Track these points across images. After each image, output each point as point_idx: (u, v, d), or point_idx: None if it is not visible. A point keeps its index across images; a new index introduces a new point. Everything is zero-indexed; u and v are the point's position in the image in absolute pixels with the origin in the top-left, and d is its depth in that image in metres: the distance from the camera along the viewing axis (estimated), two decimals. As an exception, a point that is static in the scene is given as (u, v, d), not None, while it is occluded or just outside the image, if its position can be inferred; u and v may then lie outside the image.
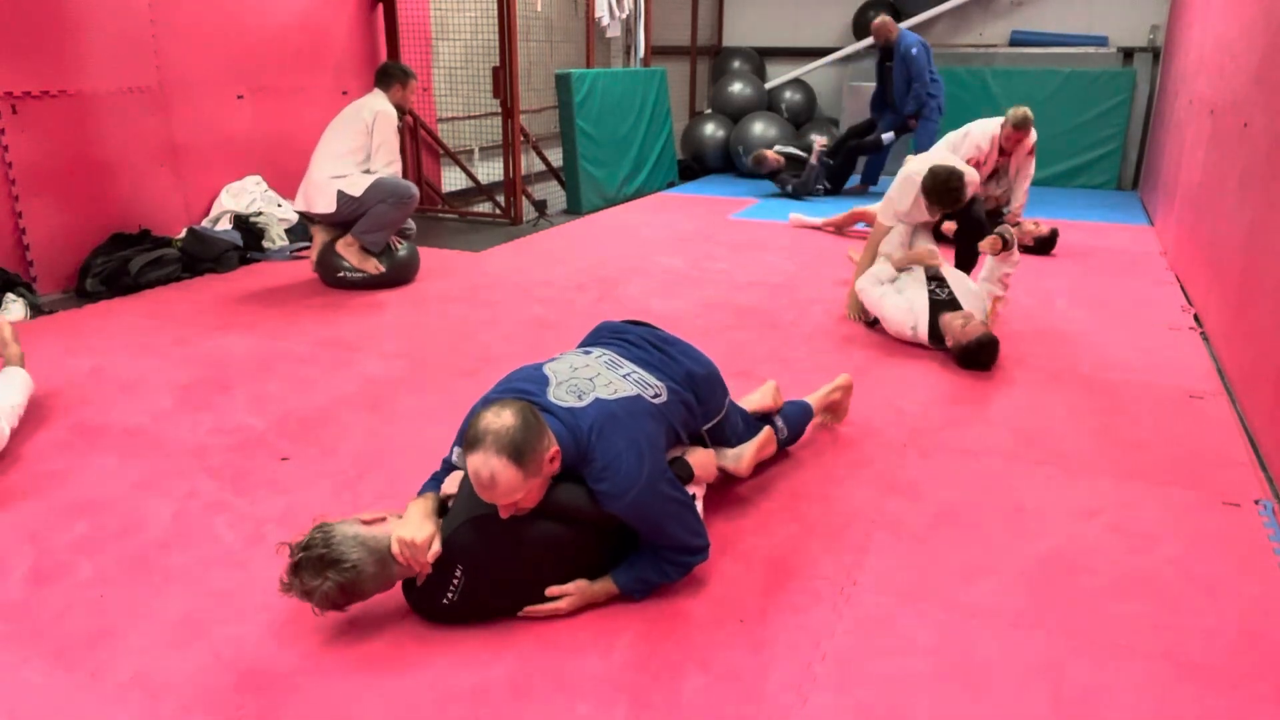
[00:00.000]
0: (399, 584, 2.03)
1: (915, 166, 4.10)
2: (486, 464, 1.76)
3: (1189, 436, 3.01)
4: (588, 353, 2.24)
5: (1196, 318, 4.27)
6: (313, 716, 1.72)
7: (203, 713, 1.72)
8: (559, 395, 2.00)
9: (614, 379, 2.10)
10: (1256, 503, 2.56)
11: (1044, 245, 5.66)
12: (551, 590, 1.98)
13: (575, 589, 1.99)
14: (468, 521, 1.90)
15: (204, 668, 1.84)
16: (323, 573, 1.80)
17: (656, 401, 2.11)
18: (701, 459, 2.29)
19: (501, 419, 1.79)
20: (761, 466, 2.70)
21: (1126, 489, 2.65)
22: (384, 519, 1.93)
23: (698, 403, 2.29)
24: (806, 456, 2.83)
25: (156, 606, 2.05)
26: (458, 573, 1.89)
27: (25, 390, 2.96)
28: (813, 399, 2.90)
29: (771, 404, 2.72)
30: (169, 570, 2.19)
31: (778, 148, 7.92)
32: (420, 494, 2.07)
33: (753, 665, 1.87)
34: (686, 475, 2.21)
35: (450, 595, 1.91)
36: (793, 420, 2.77)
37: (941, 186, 3.90)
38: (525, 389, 2.03)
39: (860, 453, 2.87)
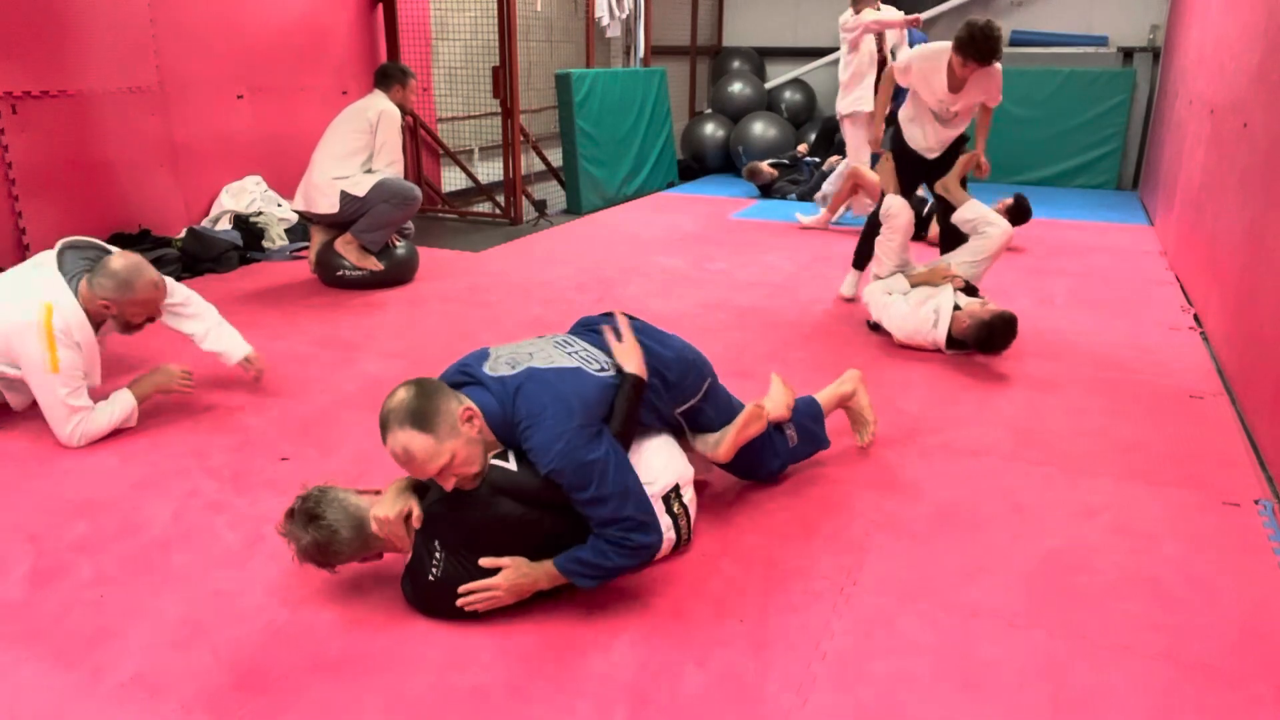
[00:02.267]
0: (399, 586, 2.03)
1: (922, 49, 4.11)
2: (396, 440, 1.84)
3: (1189, 436, 3.01)
4: (541, 337, 2.28)
5: (1196, 318, 4.27)
6: (313, 716, 1.72)
7: (203, 713, 1.72)
8: (493, 367, 2.06)
9: (555, 354, 2.12)
10: (1256, 503, 2.56)
11: (1016, 215, 5.77)
12: (485, 561, 1.93)
13: (511, 562, 1.94)
14: (439, 499, 1.95)
15: (204, 668, 1.84)
16: (305, 527, 1.92)
17: (601, 375, 2.09)
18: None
19: (396, 396, 1.87)
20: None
21: (1126, 489, 2.65)
22: (378, 492, 2.03)
23: (664, 385, 2.25)
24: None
25: (156, 606, 2.05)
26: (436, 547, 1.94)
27: (115, 419, 2.91)
28: (821, 397, 2.79)
29: (784, 415, 2.59)
30: (169, 570, 2.19)
31: (769, 161, 7.96)
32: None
33: (753, 665, 1.87)
34: (634, 387, 2.11)
35: (434, 571, 1.94)
36: (801, 425, 2.65)
37: (981, 34, 3.74)
38: (465, 363, 2.12)
39: (860, 453, 2.87)
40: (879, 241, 4.15)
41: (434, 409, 1.85)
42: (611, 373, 2.12)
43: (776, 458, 2.58)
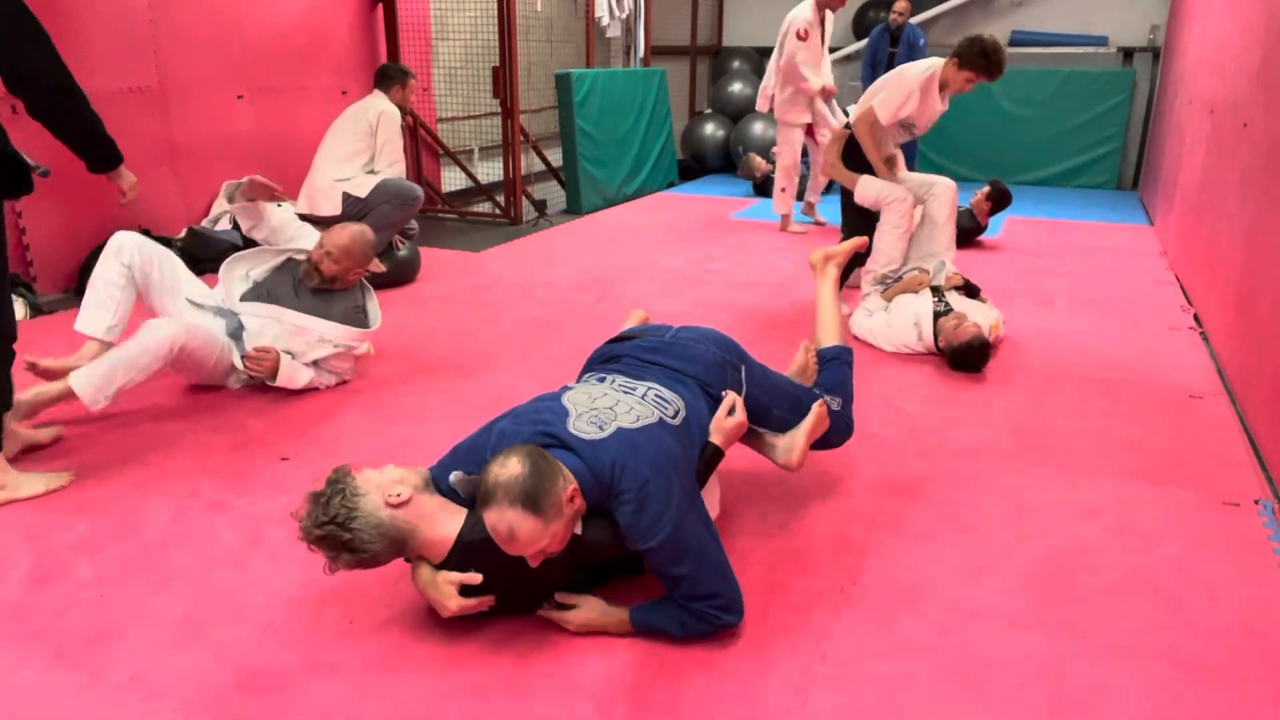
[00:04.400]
0: (399, 585, 2.03)
1: (888, 77, 4.09)
2: (502, 518, 1.69)
3: (1189, 436, 3.01)
4: (601, 379, 2.15)
5: (1196, 318, 4.27)
6: (313, 716, 1.72)
7: (203, 713, 1.72)
8: (580, 427, 1.91)
9: (634, 404, 2.01)
10: (1256, 503, 2.56)
11: (996, 202, 5.83)
12: (563, 597, 1.94)
13: (585, 602, 1.94)
14: (485, 539, 1.82)
15: (204, 668, 1.84)
16: (339, 553, 1.81)
17: (677, 421, 2.02)
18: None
19: (509, 469, 1.71)
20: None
21: (1126, 489, 2.65)
22: (408, 500, 1.85)
23: (714, 401, 2.19)
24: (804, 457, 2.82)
25: (156, 606, 2.05)
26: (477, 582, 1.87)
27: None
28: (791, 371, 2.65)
29: (809, 377, 2.54)
30: (169, 570, 2.19)
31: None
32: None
33: (753, 665, 1.87)
34: (714, 457, 2.09)
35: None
36: (838, 385, 2.55)
37: (995, 50, 3.81)
38: (545, 419, 1.94)
39: (860, 453, 2.87)
40: (878, 233, 4.14)
41: (545, 489, 1.71)
42: (685, 413, 2.05)
43: (837, 434, 2.50)
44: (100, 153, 2.54)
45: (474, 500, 1.87)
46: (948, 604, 2.08)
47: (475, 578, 1.84)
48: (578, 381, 2.23)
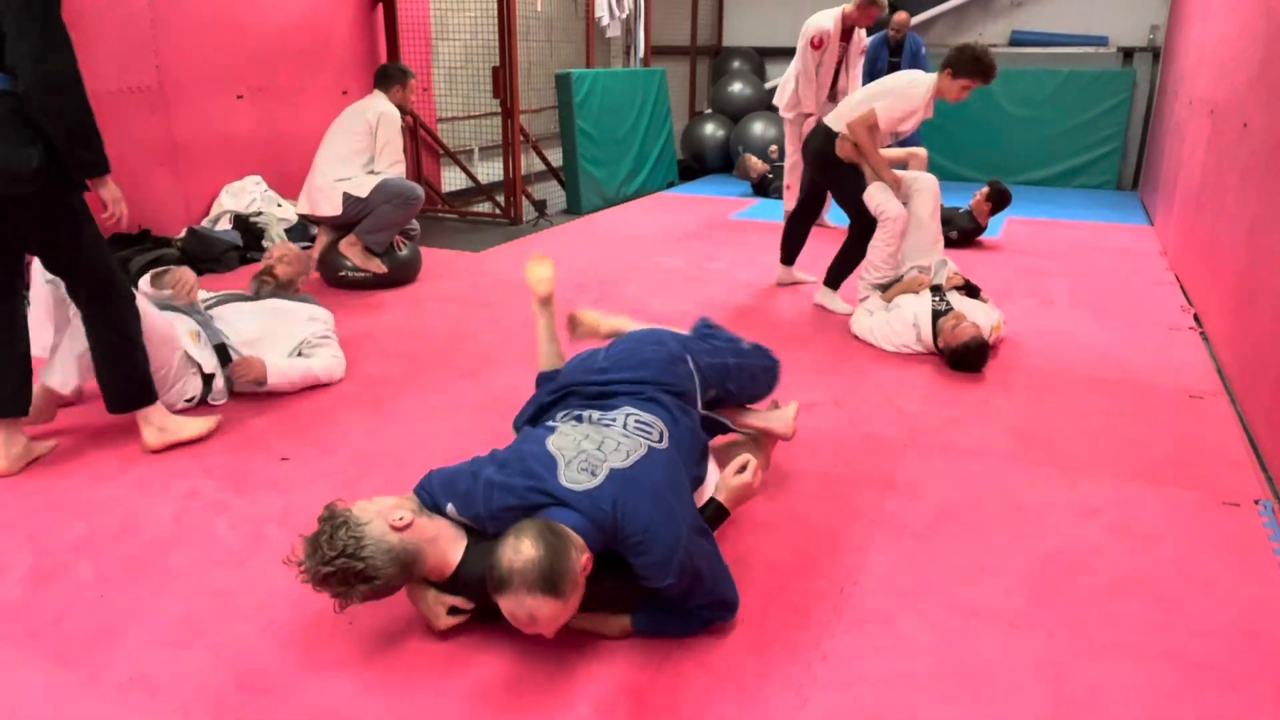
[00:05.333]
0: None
1: (894, 82, 4.10)
2: (521, 606, 1.65)
3: (1189, 436, 3.01)
4: (578, 419, 2.07)
5: (1196, 318, 4.27)
6: (313, 716, 1.72)
7: (203, 713, 1.72)
8: (571, 477, 1.84)
9: (619, 438, 1.96)
10: (1256, 503, 2.56)
11: (996, 202, 5.86)
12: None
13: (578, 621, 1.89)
14: (482, 579, 1.79)
15: (204, 668, 1.84)
16: (353, 585, 1.74)
17: (664, 445, 1.99)
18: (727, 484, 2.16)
19: (522, 554, 1.64)
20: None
21: (1126, 489, 2.65)
22: (411, 524, 1.81)
23: (678, 396, 2.19)
24: (805, 457, 2.83)
25: (156, 606, 2.05)
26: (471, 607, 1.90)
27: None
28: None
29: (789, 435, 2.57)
30: (169, 570, 2.19)
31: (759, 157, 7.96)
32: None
33: (753, 665, 1.87)
34: (718, 516, 2.08)
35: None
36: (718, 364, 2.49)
37: (987, 56, 3.86)
38: (535, 472, 1.86)
39: (860, 453, 2.87)
40: (871, 245, 4.16)
41: (561, 570, 1.65)
42: (668, 432, 2.03)
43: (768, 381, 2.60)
44: (85, 158, 2.47)
45: (469, 526, 1.90)
46: (948, 604, 2.08)
47: (467, 605, 1.87)
48: (552, 416, 2.14)
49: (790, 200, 6.38)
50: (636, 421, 2.03)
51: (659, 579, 1.78)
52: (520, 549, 1.65)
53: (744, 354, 2.52)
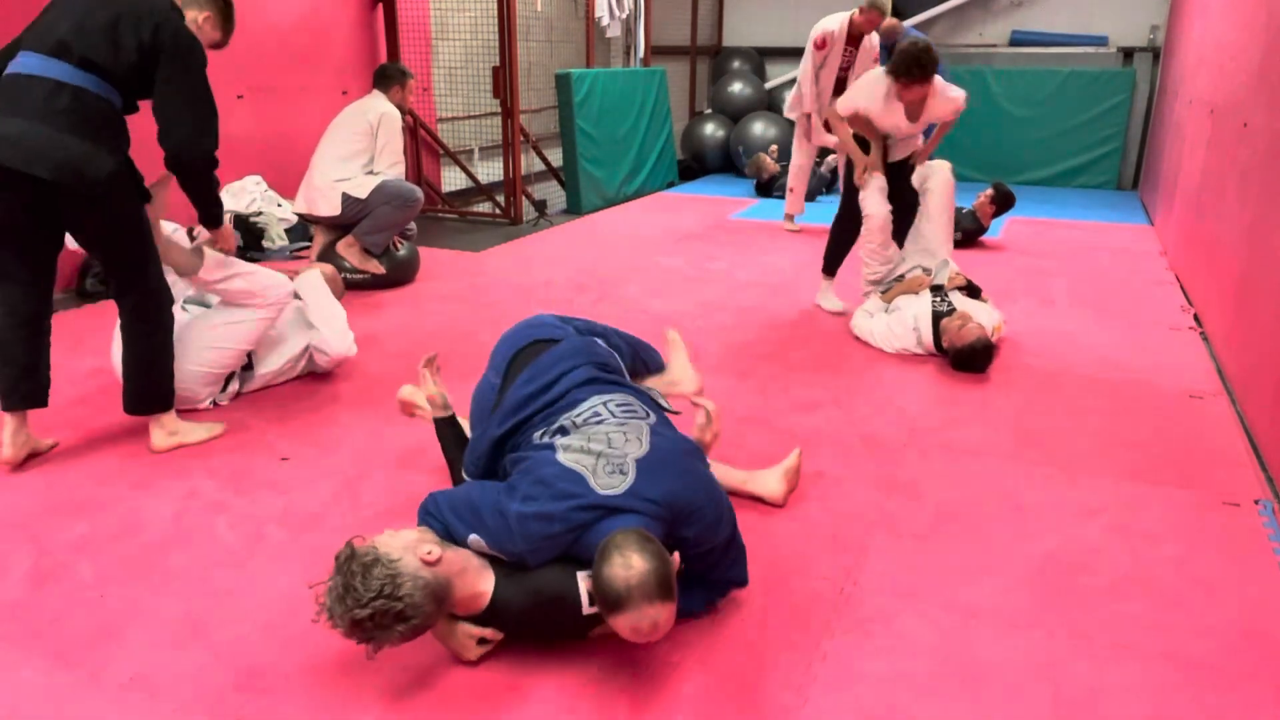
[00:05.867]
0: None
1: (867, 78, 4.12)
2: (645, 618, 1.65)
3: (1189, 436, 3.01)
4: (564, 431, 1.97)
5: (1196, 318, 4.27)
6: (313, 716, 1.72)
7: (203, 713, 1.72)
8: (606, 483, 1.81)
9: (618, 428, 1.94)
10: (1256, 503, 2.56)
11: (1000, 204, 5.87)
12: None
13: None
14: (524, 609, 1.82)
15: (204, 668, 1.84)
16: (391, 626, 1.66)
17: (651, 420, 2.00)
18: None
19: (635, 568, 1.63)
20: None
21: (1126, 489, 2.65)
22: (440, 558, 1.74)
23: (617, 372, 2.22)
24: (805, 457, 2.82)
25: (156, 606, 2.05)
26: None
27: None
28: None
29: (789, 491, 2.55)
30: (169, 570, 2.19)
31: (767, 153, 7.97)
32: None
33: (753, 665, 1.87)
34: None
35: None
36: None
37: (924, 53, 3.82)
38: (573, 492, 1.81)
39: (860, 453, 2.87)
40: (860, 249, 4.21)
41: (671, 571, 1.68)
42: (646, 408, 2.05)
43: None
44: (214, 212, 2.98)
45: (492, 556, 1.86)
46: (948, 604, 2.08)
47: (497, 635, 1.85)
48: (524, 445, 2.03)
49: (792, 203, 6.38)
50: (617, 406, 2.01)
51: (717, 536, 1.87)
52: (632, 564, 1.64)
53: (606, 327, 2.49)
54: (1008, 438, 3.00)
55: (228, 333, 3.04)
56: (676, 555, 1.77)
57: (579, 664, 1.86)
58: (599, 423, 1.96)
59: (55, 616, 2.01)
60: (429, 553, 1.73)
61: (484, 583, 1.82)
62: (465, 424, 2.44)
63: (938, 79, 3.98)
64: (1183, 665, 1.88)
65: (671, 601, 1.67)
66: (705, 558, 1.90)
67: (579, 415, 1.99)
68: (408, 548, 1.72)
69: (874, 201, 4.10)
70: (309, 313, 3.35)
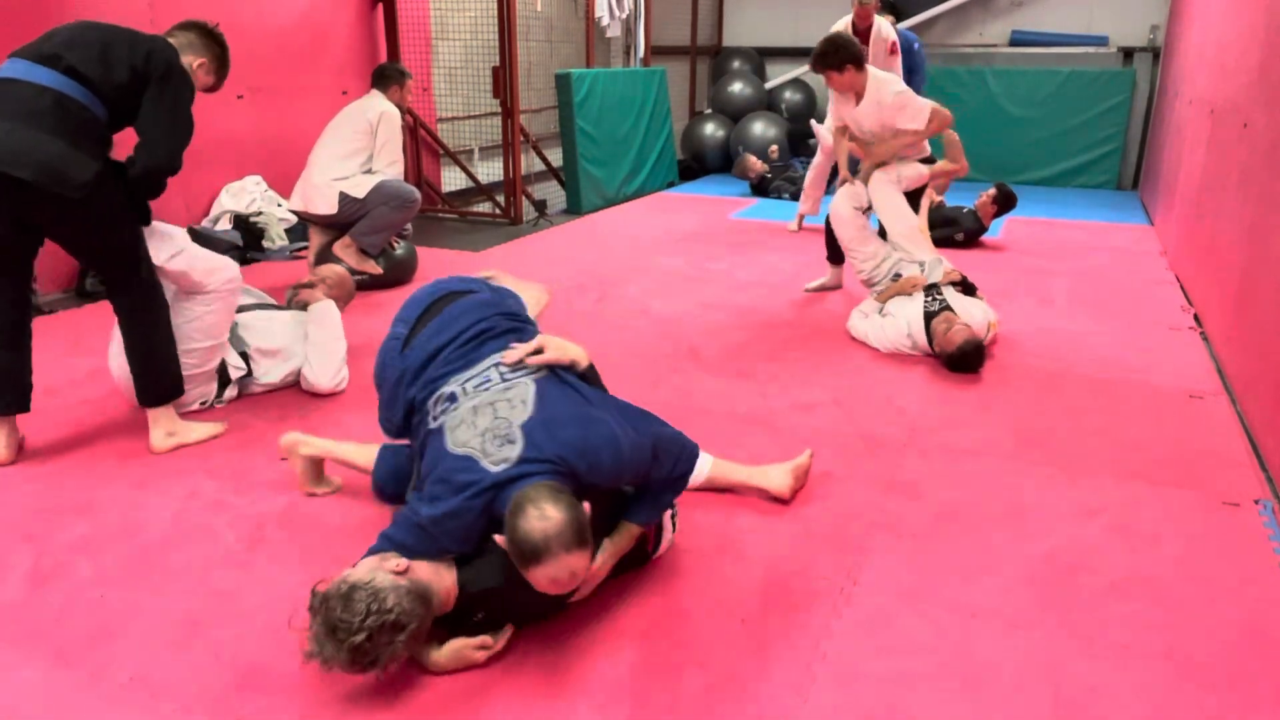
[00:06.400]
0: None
1: None
2: (563, 567, 1.66)
3: (1189, 436, 3.01)
4: (453, 400, 1.98)
5: (1196, 318, 4.27)
6: (312, 716, 1.72)
7: (203, 713, 1.72)
8: (496, 458, 1.82)
9: (503, 393, 1.94)
10: (1256, 503, 2.56)
11: (1002, 204, 5.90)
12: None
13: (602, 557, 1.92)
14: (488, 590, 1.84)
15: (204, 668, 1.84)
16: (391, 640, 1.66)
17: (541, 373, 1.99)
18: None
19: (550, 518, 1.66)
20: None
21: (1126, 489, 2.65)
22: (407, 566, 1.75)
23: (518, 318, 2.25)
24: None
25: (156, 606, 2.05)
26: (479, 615, 1.88)
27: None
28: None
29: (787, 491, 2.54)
30: (169, 570, 2.19)
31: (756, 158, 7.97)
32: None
33: (753, 665, 1.87)
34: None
35: (478, 617, 1.89)
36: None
37: (822, 43, 4.00)
38: (463, 482, 1.82)
39: (860, 453, 2.87)
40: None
41: (585, 518, 1.70)
42: (548, 369, 2.03)
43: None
44: (148, 213, 2.96)
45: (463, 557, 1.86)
46: (948, 604, 2.08)
47: (498, 644, 1.86)
48: (426, 411, 2.03)
49: (806, 204, 6.36)
50: (508, 367, 2.01)
51: (633, 469, 1.88)
52: (547, 514, 1.66)
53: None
54: (1008, 438, 3.00)
55: (188, 331, 2.98)
56: (587, 505, 1.76)
57: (579, 663, 1.86)
58: (485, 390, 1.96)
59: (55, 616, 2.01)
60: (397, 564, 1.75)
61: (449, 576, 1.85)
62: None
63: (876, 72, 4.12)
64: (1183, 665, 1.88)
65: (588, 550, 1.71)
66: (635, 482, 1.94)
67: (470, 380, 2.00)
68: (374, 568, 1.73)
69: (838, 201, 4.30)
70: (308, 341, 3.33)
